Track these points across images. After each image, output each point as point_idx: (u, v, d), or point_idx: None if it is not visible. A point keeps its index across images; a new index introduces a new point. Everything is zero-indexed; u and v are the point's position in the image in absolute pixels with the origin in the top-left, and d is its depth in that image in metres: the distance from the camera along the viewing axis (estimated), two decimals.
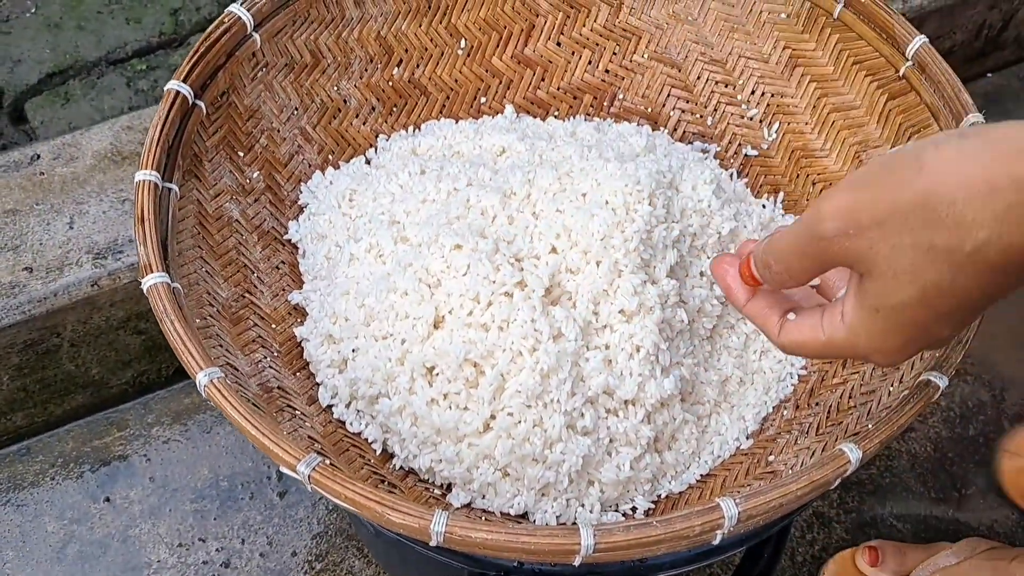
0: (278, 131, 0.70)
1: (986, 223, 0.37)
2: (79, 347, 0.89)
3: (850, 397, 0.61)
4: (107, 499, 0.92)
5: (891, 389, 0.57)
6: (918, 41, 0.66)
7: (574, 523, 0.57)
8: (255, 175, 0.68)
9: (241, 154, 0.68)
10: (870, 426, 0.51)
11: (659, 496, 0.62)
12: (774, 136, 0.75)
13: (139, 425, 0.96)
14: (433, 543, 0.47)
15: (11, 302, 0.83)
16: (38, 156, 0.90)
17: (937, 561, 0.85)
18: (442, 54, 0.76)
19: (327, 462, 0.55)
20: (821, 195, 0.43)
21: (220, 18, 0.65)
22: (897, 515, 0.93)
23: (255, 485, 0.94)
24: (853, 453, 0.49)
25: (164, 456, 0.95)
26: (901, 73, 0.68)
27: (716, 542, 0.48)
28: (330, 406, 0.62)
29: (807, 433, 0.61)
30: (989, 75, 1.27)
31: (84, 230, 0.87)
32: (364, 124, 0.74)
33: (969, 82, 1.25)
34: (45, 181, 0.89)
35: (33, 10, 1.21)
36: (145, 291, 0.54)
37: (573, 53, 0.79)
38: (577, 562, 0.47)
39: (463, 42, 0.77)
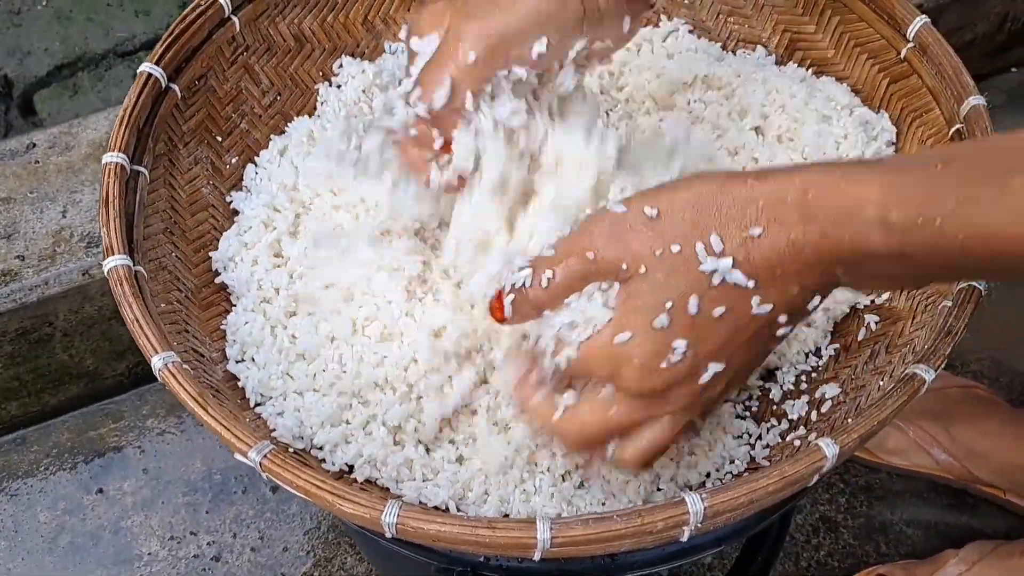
0: (260, 116, 0.69)
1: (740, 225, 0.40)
2: (72, 336, 0.88)
3: (841, 391, 0.58)
4: (100, 490, 0.92)
5: (881, 383, 0.54)
6: (919, 21, 0.63)
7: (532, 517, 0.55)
8: (234, 160, 0.67)
9: (219, 139, 0.66)
10: (849, 421, 0.48)
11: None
12: None
13: (134, 416, 0.96)
14: (387, 535, 0.46)
15: (2, 290, 0.83)
16: (34, 145, 0.89)
17: (946, 572, 0.82)
18: None
19: (289, 450, 0.54)
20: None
21: (197, 0, 0.64)
22: (907, 521, 0.90)
23: (248, 479, 0.93)
24: (829, 449, 0.46)
25: (158, 448, 0.94)
26: (902, 55, 0.65)
27: (684, 538, 0.46)
28: None
29: (796, 428, 0.58)
30: (1013, 69, 1.22)
31: (77, 219, 0.86)
32: None
33: (992, 77, 1.21)
34: (40, 170, 0.88)
35: (44, 3, 1.22)
36: (105, 273, 0.53)
37: None
38: (537, 556, 0.45)
39: None
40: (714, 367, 0.44)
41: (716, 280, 0.41)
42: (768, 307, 0.42)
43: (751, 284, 0.41)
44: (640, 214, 0.42)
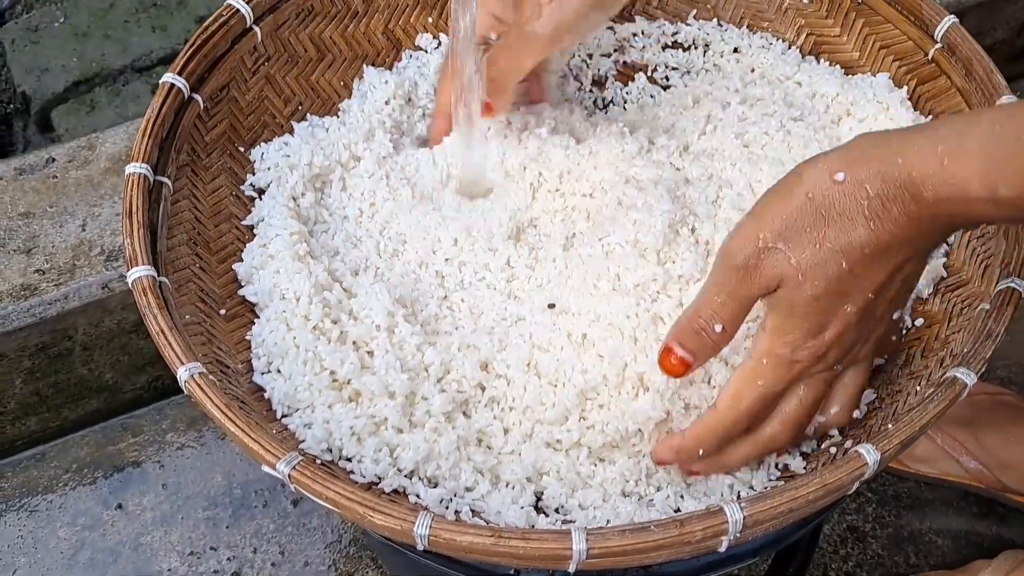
0: (282, 126, 0.68)
1: (860, 214, 0.44)
2: (92, 351, 0.88)
3: (877, 396, 0.57)
4: (119, 506, 0.91)
5: (918, 388, 0.53)
6: (947, 21, 0.63)
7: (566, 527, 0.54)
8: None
9: (242, 149, 0.66)
10: (889, 426, 0.47)
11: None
12: None
13: (154, 431, 0.95)
14: (419, 547, 0.45)
15: (23, 305, 0.82)
16: (53, 159, 0.89)
17: None
18: None
19: (317, 461, 0.53)
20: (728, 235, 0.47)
21: (218, 11, 0.63)
22: (937, 530, 0.89)
23: (269, 493, 0.92)
24: (871, 455, 0.45)
25: (178, 463, 0.94)
26: (930, 56, 0.64)
27: (722, 549, 0.45)
28: None
29: (830, 435, 0.57)
30: None
31: (96, 232, 0.86)
32: None
33: (1011, 82, 1.19)
34: (59, 184, 0.88)
35: (62, 20, 1.22)
36: (129, 284, 0.52)
37: None
38: (572, 568, 0.44)
39: None
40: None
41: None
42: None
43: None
44: (768, 247, 0.46)
